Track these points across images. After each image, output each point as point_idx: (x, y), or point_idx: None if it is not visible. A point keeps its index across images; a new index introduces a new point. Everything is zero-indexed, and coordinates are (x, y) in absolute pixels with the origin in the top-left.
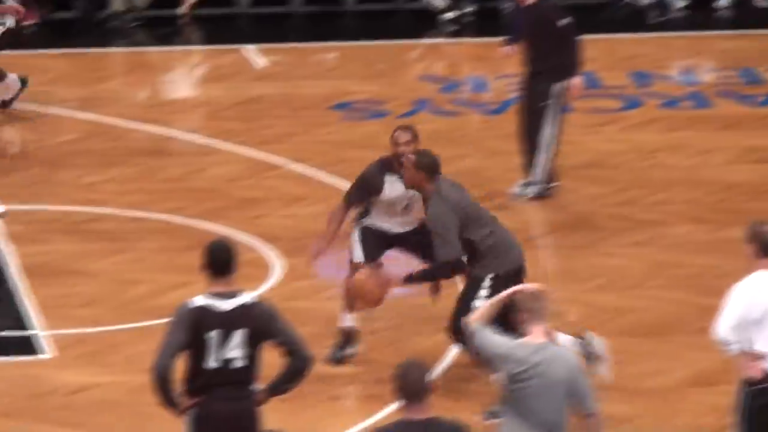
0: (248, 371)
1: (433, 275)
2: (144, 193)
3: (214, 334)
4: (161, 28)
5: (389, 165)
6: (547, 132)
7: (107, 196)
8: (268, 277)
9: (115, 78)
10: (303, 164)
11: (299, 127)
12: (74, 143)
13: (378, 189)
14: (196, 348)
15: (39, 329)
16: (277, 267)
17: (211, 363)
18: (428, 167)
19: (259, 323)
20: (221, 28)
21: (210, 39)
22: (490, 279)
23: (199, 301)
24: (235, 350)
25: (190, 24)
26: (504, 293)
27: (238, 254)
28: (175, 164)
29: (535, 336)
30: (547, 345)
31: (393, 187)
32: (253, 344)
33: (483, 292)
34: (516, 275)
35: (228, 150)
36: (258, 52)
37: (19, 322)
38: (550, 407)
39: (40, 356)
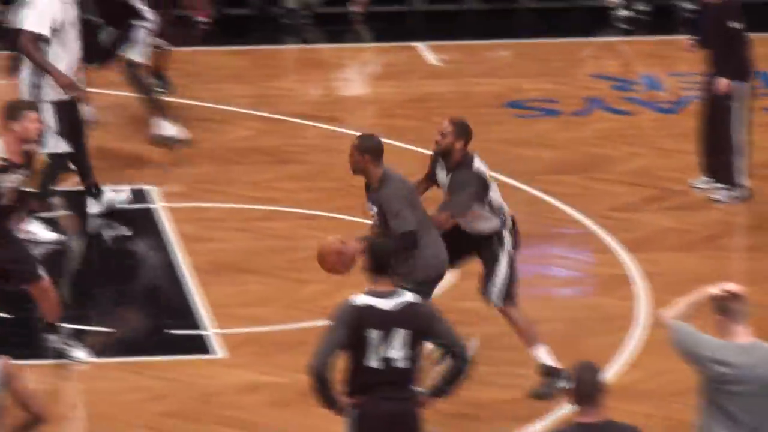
0: (409, 372)
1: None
2: (316, 191)
3: (375, 333)
4: (334, 26)
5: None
6: (737, 134)
7: (279, 193)
8: None
9: (288, 75)
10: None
11: (472, 125)
12: (247, 140)
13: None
14: (357, 347)
15: (209, 328)
16: None
17: (372, 362)
18: (373, 150)
19: (420, 323)
20: (394, 26)
21: (383, 36)
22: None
23: (361, 299)
24: (396, 350)
25: (362, 21)
26: (701, 292)
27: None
28: (346, 162)
29: (739, 337)
30: (756, 346)
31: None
32: (413, 344)
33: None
34: (434, 282)
35: (399, 148)
36: (431, 49)
37: (190, 321)
38: (759, 410)
39: (210, 356)
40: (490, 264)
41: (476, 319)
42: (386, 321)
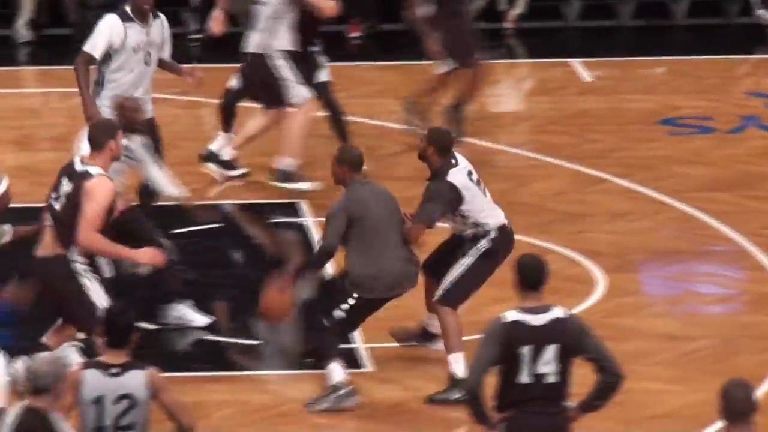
0: (560, 387)
1: (311, 266)
2: None
3: (526, 349)
4: (487, 41)
5: None
6: None
7: None
8: (591, 293)
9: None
10: (628, 179)
11: (625, 142)
12: (399, 155)
13: None
14: (509, 363)
15: (359, 342)
16: (600, 283)
17: (524, 378)
18: (349, 161)
19: (570, 338)
20: (547, 42)
21: (536, 52)
22: (355, 298)
23: (512, 315)
24: (547, 365)
25: (515, 37)
26: None
27: (548, 269)
28: (500, 178)
29: None
30: None
31: None
32: (564, 359)
33: (345, 306)
34: (380, 304)
35: (553, 164)
36: (585, 65)
37: None
38: None
39: (360, 369)
40: (453, 263)
41: (628, 334)
42: (537, 337)
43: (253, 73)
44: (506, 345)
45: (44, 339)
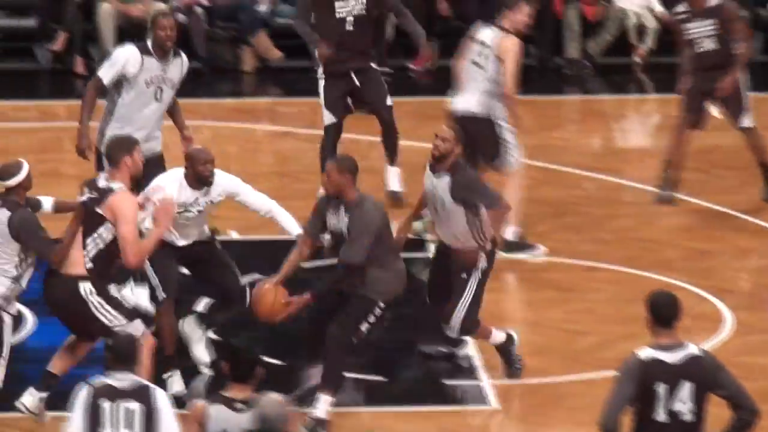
0: (695, 425)
1: (336, 282)
2: (595, 242)
3: (662, 387)
4: (615, 76)
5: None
6: None
7: (558, 244)
8: (720, 331)
9: (568, 125)
10: (756, 216)
11: (754, 179)
12: (525, 190)
13: None
14: (644, 401)
15: (485, 379)
16: (729, 320)
17: (660, 416)
18: (353, 170)
19: (706, 375)
20: (674, 77)
21: (663, 87)
22: (381, 308)
23: (647, 353)
24: (682, 403)
25: (644, 72)
26: None
27: (681, 306)
28: (627, 214)
29: None
30: None
31: None
32: (699, 397)
33: (372, 318)
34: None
35: (680, 200)
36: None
37: (465, 371)
38: None
39: (485, 406)
40: (453, 284)
41: (757, 373)
42: (673, 374)
43: (475, 132)
44: (642, 383)
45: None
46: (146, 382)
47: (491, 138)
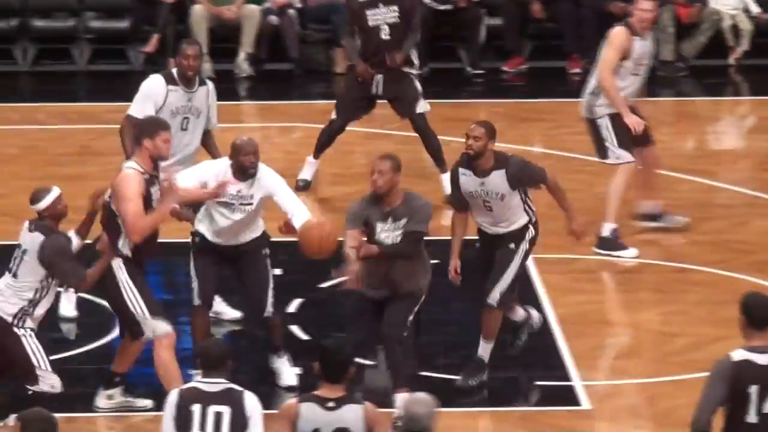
0: None
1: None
2: (688, 244)
3: (754, 389)
4: (710, 78)
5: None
6: None
7: (650, 246)
8: None
9: (662, 128)
10: None
11: None
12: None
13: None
14: (736, 403)
15: (576, 379)
16: None
17: (751, 418)
18: (401, 169)
19: None
20: None
21: (758, 89)
22: (420, 303)
23: (740, 355)
24: None
25: (738, 74)
26: None
27: None
28: (720, 216)
29: None
30: None
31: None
32: None
33: (413, 313)
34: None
35: None
36: None
37: (557, 372)
38: None
39: (577, 407)
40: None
41: None
42: (765, 376)
43: (589, 133)
44: (734, 384)
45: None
46: (236, 387)
47: (595, 138)
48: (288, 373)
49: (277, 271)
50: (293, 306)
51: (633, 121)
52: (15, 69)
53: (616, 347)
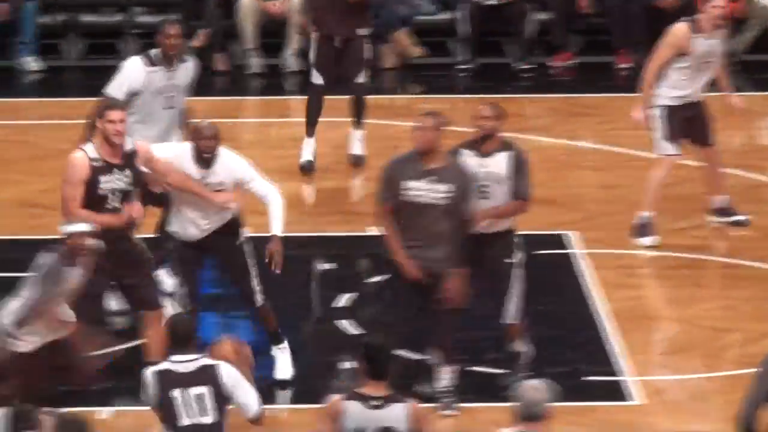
0: None
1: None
2: (737, 239)
3: None
4: (759, 73)
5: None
6: None
7: (700, 241)
8: None
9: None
10: None
11: None
12: (668, 187)
13: None
14: None
15: (627, 375)
16: None
17: None
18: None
19: None
20: None
21: None
22: None
23: None
24: None
25: None
26: None
27: None
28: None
29: None
30: None
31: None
32: None
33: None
34: None
35: None
36: None
37: (608, 367)
38: None
39: (628, 402)
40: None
41: None
42: None
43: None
44: None
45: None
46: (209, 361)
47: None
48: (283, 365)
49: (328, 266)
50: (344, 300)
51: (636, 117)
52: (63, 64)
53: (668, 342)
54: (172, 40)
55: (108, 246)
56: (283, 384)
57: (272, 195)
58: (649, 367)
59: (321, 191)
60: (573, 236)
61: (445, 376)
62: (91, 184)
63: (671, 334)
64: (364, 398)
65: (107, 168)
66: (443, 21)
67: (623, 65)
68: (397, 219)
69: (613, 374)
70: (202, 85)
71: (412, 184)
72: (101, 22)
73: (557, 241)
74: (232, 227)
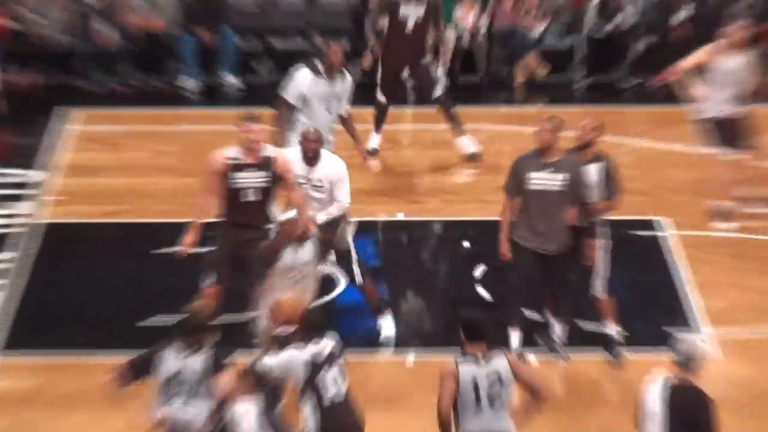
0: None
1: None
2: None
3: None
4: None
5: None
6: None
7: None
8: None
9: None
10: None
11: None
12: (744, 180)
13: None
14: None
15: (705, 330)
16: None
17: None
18: (560, 129)
19: None
20: None
21: None
22: None
23: None
24: None
25: None
26: None
27: None
28: None
29: None
30: None
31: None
32: None
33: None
34: None
35: None
36: None
37: (686, 323)
38: None
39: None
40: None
41: None
42: None
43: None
44: None
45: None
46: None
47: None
48: (387, 327)
49: (466, 244)
50: (479, 271)
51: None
52: (258, 81)
53: (744, 308)
54: (333, 56)
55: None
56: (388, 341)
57: (340, 201)
58: (731, 327)
59: (462, 183)
60: (665, 221)
61: (560, 332)
62: (224, 178)
63: (747, 301)
64: (472, 358)
65: (241, 166)
66: (563, 46)
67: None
68: (524, 205)
69: (690, 329)
70: (365, 100)
71: (535, 174)
72: (287, 48)
73: (648, 225)
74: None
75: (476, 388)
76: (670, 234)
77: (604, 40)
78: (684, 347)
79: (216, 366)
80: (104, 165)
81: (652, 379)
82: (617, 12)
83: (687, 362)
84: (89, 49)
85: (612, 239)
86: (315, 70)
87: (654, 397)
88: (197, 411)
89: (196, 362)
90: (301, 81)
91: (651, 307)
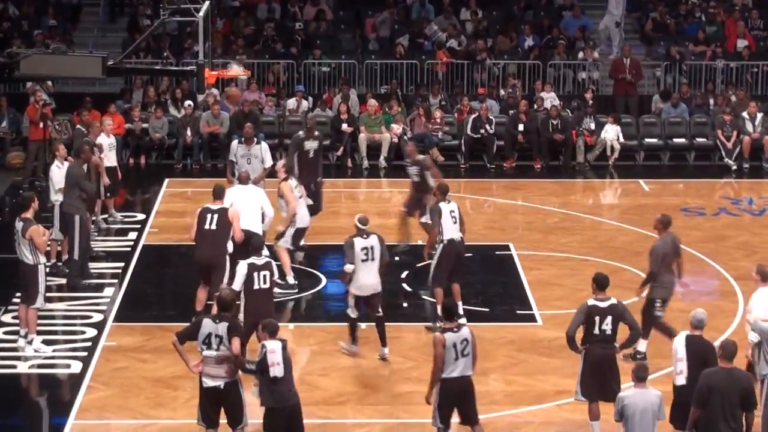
0: None
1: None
2: None
3: None
4: None
5: None
6: None
7: None
8: None
9: None
10: None
11: None
12: None
13: None
14: None
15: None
16: None
17: None
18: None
19: None
20: None
21: None
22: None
23: None
24: None
25: None
26: None
27: None
28: None
29: None
30: None
31: None
32: None
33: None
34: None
35: None
36: None
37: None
38: None
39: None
40: None
41: None
42: None
43: None
44: None
45: None
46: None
47: None
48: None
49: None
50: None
51: None
52: None
53: (563, 299)
54: (248, 130)
55: None
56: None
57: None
58: (548, 309)
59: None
60: (511, 245)
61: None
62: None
63: (561, 293)
64: (449, 330)
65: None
66: (453, 143)
67: None
68: None
69: (530, 310)
70: None
71: None
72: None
73: (504, 248)
74: None
75: (454, 347)
76: (515, 253)
77: (478, 139)
78: (696, 316)
79: (235, 330)
80: (182, 210)
81: (679, 336)
82: (485, 124)
83: (698, 324)
84: (178, 143)
85: (483, 257)
86: (242, 141)
87: (680, 345)
88: (224, 356)
89: (223, 327)
90: (234, 148)
91: (504, 295)
